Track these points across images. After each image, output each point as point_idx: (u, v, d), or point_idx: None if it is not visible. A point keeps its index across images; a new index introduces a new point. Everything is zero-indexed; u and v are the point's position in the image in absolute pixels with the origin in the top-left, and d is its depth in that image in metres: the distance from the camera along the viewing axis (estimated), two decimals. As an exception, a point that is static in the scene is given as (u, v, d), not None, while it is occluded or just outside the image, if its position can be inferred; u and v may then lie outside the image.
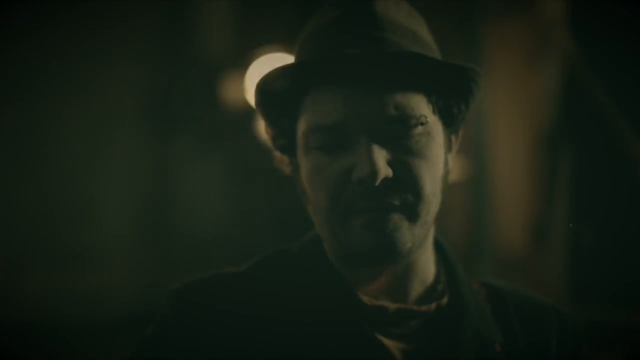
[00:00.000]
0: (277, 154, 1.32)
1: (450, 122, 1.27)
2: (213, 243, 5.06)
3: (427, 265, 1.31)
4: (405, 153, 1.19)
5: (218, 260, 4.86)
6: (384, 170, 1.17)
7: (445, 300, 1.30)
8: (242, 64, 4.75)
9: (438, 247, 1.36)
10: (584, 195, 3.69)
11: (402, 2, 1.28)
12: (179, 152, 5.03)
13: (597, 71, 3.44)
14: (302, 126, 1.23)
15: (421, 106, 1.20)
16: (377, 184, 1.16)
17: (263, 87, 1.23)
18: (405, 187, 1.19)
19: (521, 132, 3.70)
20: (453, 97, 1.25)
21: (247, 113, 4.84)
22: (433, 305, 1.29)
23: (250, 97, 4.78)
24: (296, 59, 1.27)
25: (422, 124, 1.19)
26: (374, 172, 1.16)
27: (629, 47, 3.50)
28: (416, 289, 1.30)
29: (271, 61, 4.72)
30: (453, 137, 1.30)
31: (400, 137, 1.19)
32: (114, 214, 4.92)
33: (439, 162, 1.23)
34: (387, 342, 1.25)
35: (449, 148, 1.29)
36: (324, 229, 1.26)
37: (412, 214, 1.20)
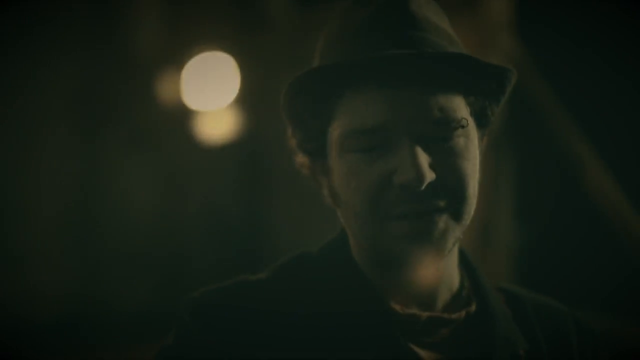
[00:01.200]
0: (299, 157, 1.28)
1: (483, 123, 1.24)
2: (143, 246, 4.98)
3: (453, 271, 1.29)
4: (447, 155, 1.16)
5: (149, 263, 4.80)
6: (429, 174, 1.13)
7: (473, 307, 1.28)
8: (177, 62, 4.67)
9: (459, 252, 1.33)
10: (528, 195, 3.72)
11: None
12: (109, 153, 4.93)
13: (543, 73, 3.47)
14: (337, 129, 1.19)
15: (461, 108, 1.18)
16: (422, 188, 1.13)
17: (298, 87, 1.18)
18: (448, 189, 1.16)
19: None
20: (488, 98, 1.23)
21: (182, 113, 4.78)
22: (463, 313, 1.26)
23: (196, 98, 4.74)
24: (326, 58, 1.22)
25: (462, 126, 1.17)
26: (420, 177, 1.12)
27: (574, 49, 3.54)
28: (443, 295, 1.27)
29: (207, 60, 4.67)
30: (481, 140, 1.28)
31: (442, 139, 1.16)
32: (41, 215, 4.80)
33: (476, 164, 1.21)
34: (420, 351, 1.22)
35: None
36: (359, 233, 1.22)
37: (457, 215, 1.17)
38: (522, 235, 3.75)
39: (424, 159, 1.13)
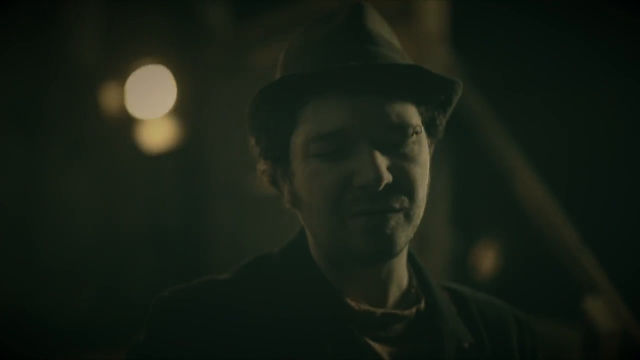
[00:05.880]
0: (261, 164, 1.36)
1: (432, 132, 1.34)
2: (82, 256, 4.98)
3: (403, 270, 1.38)
4: (402, 159, 1.25)
5: (87, 275, 4.73)
6: (387, 176, 1.22)
7: (422, 304, 1.37)
8: (120, 74, 4.69)
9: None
10: (463, 204, 3.81)
11: (381, 17, 1.35)
12: (49, 161, 4.91)
13: (477, 84, 3.56)
14: (302, 134, 1.27)
15: (415, 116, 1.28)
16: (380, 189, 1.22)
17: (264, 98, 1.26)
18: (402, 191, 1.25)
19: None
20: (437, 109, 1.33)
21: (125, 123, 4.79)
22: (413, 310, 1.35)
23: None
24: (289, 70, 1.30)
25: (416, 132, 1.26)
26: (378, 178, 1.21)
27: (507, 62, 3.64)
28: (394, 293, 1.36)
29: (149, 73, 4.72)
30: (430, 148, 1.37)
31: (398, 144, 1.25)
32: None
33: (427, 169, 1.31)
34: (376, 346, 1.30)
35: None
36: (320, 232, 1.29)
37: (408, 216, 1.26)
38: (457, 241, 3.85)
39: (382, 161, 1.23)
